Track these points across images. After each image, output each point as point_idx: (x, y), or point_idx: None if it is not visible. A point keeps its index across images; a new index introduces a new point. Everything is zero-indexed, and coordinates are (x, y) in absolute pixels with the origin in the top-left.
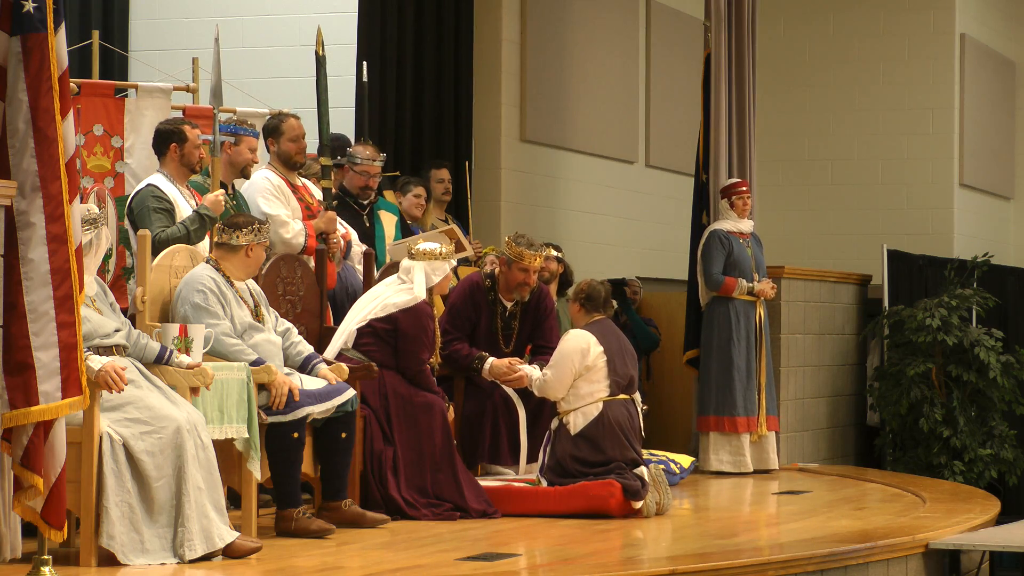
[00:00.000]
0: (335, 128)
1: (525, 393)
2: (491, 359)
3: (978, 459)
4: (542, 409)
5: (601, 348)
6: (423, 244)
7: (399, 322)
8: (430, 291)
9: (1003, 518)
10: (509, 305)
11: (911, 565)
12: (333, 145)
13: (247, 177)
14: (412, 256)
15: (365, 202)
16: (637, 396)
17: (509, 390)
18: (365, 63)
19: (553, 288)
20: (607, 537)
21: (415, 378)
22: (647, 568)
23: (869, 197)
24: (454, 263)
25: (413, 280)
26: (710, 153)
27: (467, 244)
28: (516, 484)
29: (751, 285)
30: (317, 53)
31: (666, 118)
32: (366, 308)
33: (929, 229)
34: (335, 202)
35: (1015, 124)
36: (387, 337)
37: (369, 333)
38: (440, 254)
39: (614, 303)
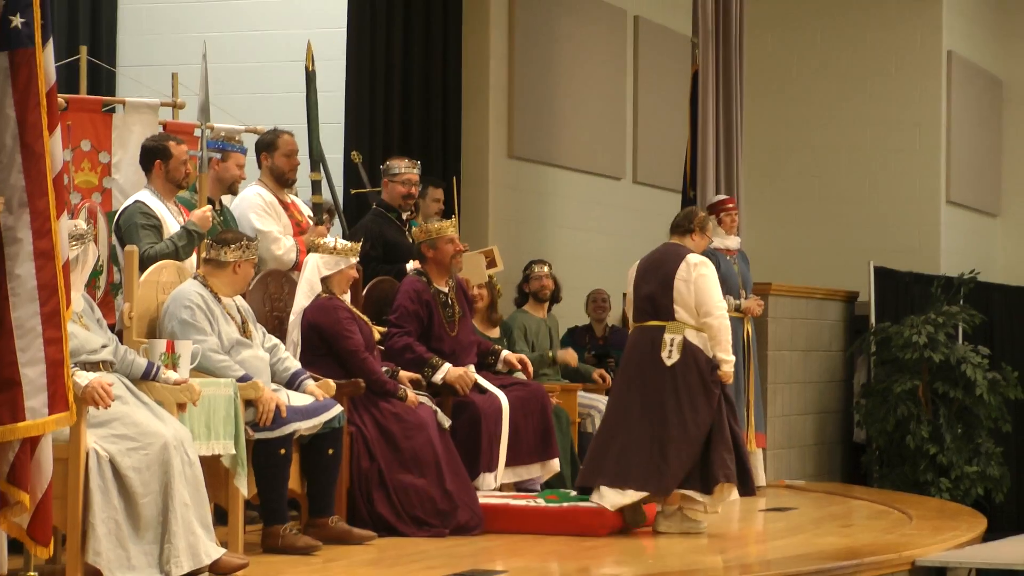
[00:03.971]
0: (325, 144)
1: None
2: (448, 366)
3: (965, 476)
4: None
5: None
6: (326, 239)
7: (313, 325)
8: (327, 285)
9: (989, 535)
10: (446, 290)
11: None
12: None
13: (235, 193)
14: (312, 247)
15: (405, 216)
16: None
17: (497, 391)
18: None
19: (544, 306)
20: (594, 555)
21: (365, 376)
22: None
23: (856, 214)
24: (352, 261)
25: (304, 274)
26: (697, 170)
27: (500, 262)
28: (512, 503)
29: (738, 302)
30: (307, 68)
31: (653, 135)
32: (294, 328)
33: (916, 246)
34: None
35: (1002, 141)
36: (320, 347)
37: (308, 361)
38: (335, 249)
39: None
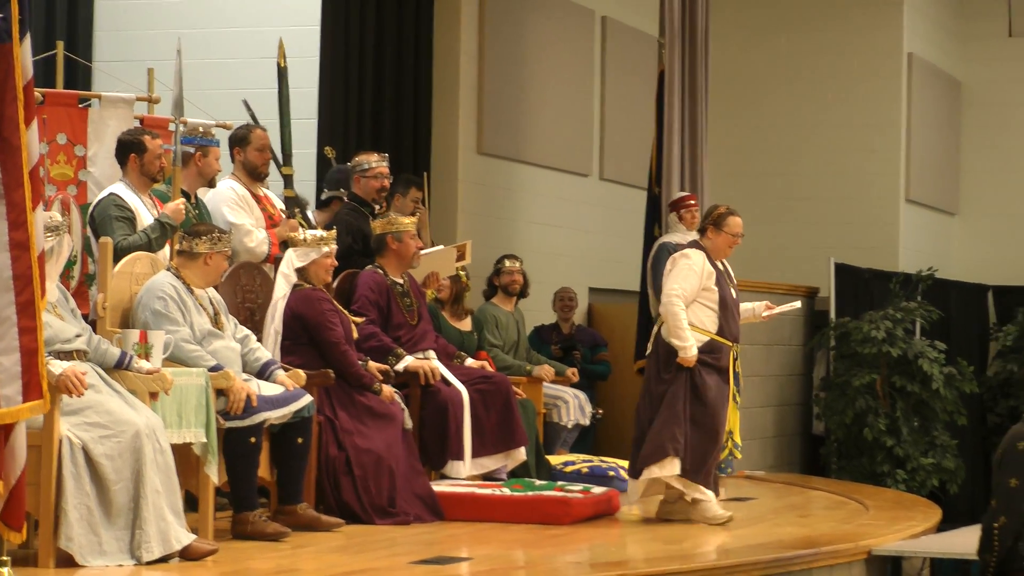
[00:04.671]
0: (297, 139)
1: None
2: (409, 357)
3: (920, 468)
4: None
5: None
6: (303, 232)
7: (297, 314)
8: (303, 276)
9: (944, 525)
10: (402, 282)
11: (854, 571)
12: (338, 177)
13: (214, 186)
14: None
15: (378, 209)
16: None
17: (459, 385)
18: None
19: (513, 300)
20: (558, 543)
21: (342, 368)
22: (597, 573)
23: (817, 212)
24: (326, 250)
25: (280, 267)
26: (663, 167)
27: (469, 256)
28: (477, 491)
29: None
30: (279, 65)
31: (620, 132)
32: (273, 319)
33: (875, 243)
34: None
35: (960, 141)
36: (301, 336)
37: (288, 349)
38: (306, 240)
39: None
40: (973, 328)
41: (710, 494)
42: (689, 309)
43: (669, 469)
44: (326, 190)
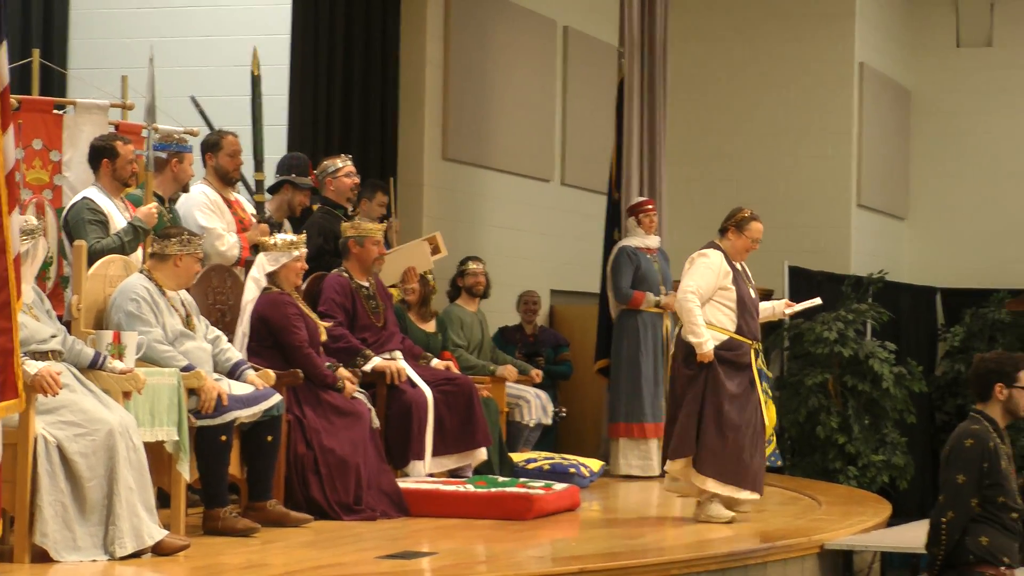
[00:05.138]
0: (268, 145)
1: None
2: (377, 358)
3: (871, 465)
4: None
5: None
6: (274, 237)
7: (263, 317)
8: (273, 280)
9: (894, 520)
10: (367, 285)
11: (807, 565)
12: (288, 163)
13: (187, 191)
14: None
15: (351, 211)
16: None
17: (424, 386)
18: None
19: (476, 301)
20: (521, 537)
21: (307, 370)
22: (557, 567)
23: (771, 216)
24: (296, 254)
25: (251, 272)
26: (622, 173)
27: (444, 248)
28: (442, 488)
29: (658, 298)
30: (253, 73)
31: (581, 139)
32: (242, 321)
33: (828, 247)
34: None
35: (909, 148)
36: (267, 338)
37: (254, 351)
38: (277, 245)
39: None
40: (922, 329)
41: (743, 492)
42: (706, 309)
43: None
44: (276, 175)
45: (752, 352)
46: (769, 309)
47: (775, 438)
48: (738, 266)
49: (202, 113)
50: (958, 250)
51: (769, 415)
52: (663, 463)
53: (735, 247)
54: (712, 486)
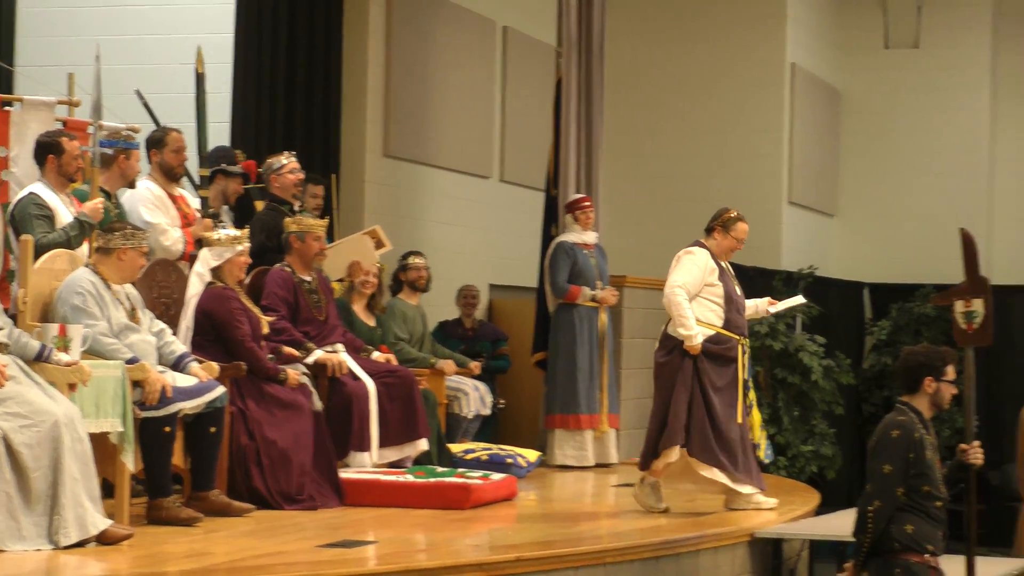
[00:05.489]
0: (213, 142)
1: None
2: (319, 351)
3: (800, 455)
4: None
5: None
6: (217, 232)
7: (207, 312)
8: (217, 274)
9: (822, 509)
10: (309, 279)
11: (738, 553)
12: (218, 155)
13: (134, 187)
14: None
15: (297, 207)
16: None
17: (366, 378)
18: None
19: (418, 295)
20: (459, 527)
21: (250, 363)
22: (495, 555)
23: (705, 212)
24: (239, 248)
25: (195, 267)
26: (560, 170)
27: (387, 241)
28: (382, 478)
29: (594, 293)
30: (197, 71)
31: (519, 137)
32: (186, 315)
33: (759, 243)
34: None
35: (839, 147)
36: (210, 332)
37: (198, 345)
38: (220, 240)
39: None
40: (850, 323)
41: (719, 474)
42: (693, 305)
43: (673, 456)
44: (208, 167)
45: (739, 348)
46: (753, 308)
47: (765, 433)
48: (723, 264)
49: (147, 107)
50: (885, 246)
51: (754, 418)
52: (642, 465)
53: (721, 246)
54: (718, 476)
